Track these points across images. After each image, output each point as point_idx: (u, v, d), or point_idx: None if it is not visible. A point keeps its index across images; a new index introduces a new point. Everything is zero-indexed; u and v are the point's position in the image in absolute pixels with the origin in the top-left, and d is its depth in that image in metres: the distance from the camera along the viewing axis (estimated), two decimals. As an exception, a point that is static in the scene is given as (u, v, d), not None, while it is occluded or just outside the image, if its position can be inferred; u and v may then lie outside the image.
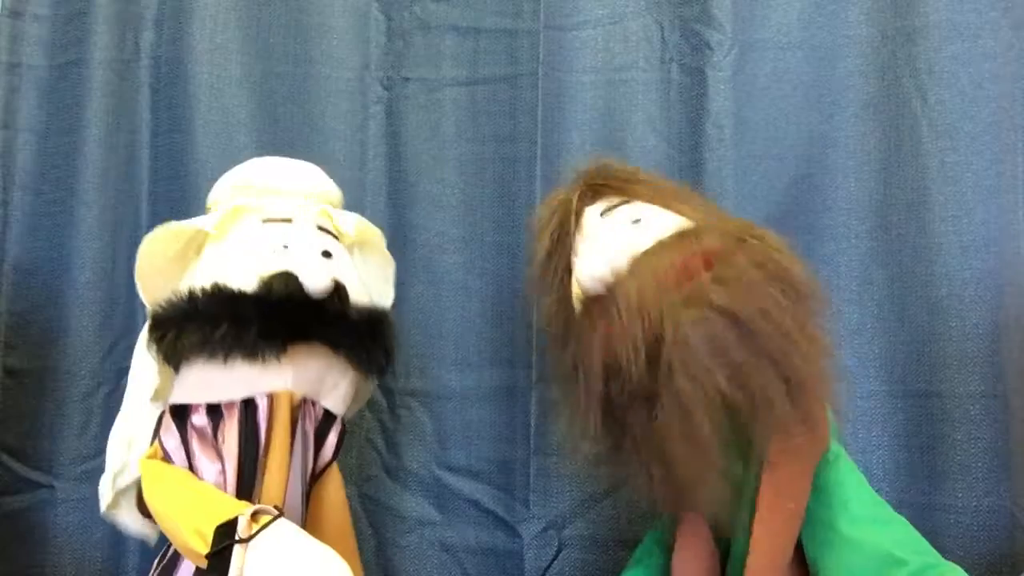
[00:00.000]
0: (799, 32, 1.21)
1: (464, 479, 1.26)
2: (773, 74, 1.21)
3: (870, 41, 1.19)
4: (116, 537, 1.24)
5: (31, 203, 1.31)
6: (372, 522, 1.27)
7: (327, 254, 0.92)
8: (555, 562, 1.23)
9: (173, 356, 0.89)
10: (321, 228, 0.95)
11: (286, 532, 0.80)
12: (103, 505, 0.97)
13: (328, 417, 0.95)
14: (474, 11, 1.30)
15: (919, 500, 1.14)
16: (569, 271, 0.93)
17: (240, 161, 1.26)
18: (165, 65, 1.30)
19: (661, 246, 0.86)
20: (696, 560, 0.92)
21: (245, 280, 0.87)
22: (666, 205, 0.92)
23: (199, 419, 0.89)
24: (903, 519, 0.86)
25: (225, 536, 0.79)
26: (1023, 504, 1.10)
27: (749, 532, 0.85)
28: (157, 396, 0.94)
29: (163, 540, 0.93)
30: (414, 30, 1.31)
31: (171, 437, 0.90)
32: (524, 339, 1.24)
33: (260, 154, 1.28)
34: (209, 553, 0.79)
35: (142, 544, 1.17)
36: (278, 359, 0.87)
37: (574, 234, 0.94)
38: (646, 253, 0.85)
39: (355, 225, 0.98)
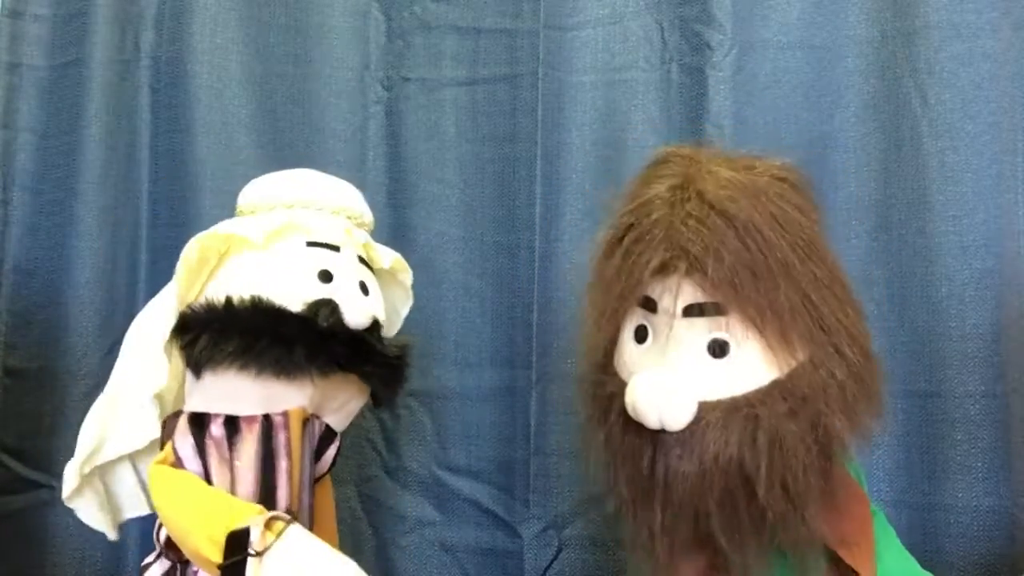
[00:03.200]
0: (799, 32, 1.21)
1: (464, 479, 1.26)
2: (773, 74, 1.21)
3: (870, 41, 1.19)
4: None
5: (31, 203, 1.31)
6: (372, 522, 1.27)
7: (364, 288, 0.94)
8: (555, 562, 1.23)
9: (202, 361, 0.88)
10: (360, 259, 0.96)
11: (300, 540, 0.80)
12: (65, 491, 0.95)
13: (328, 432, 0.96)
14: (474, 11, 1.30)
15: (919, 500, 1.14)
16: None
17: (240, 161, 1.27)
18: (165, 65, 1.30)
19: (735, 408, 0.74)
20: None
21: (289, 300, 0.88)
22: (771, 332, 0.74)
23: (217, 429, 0.89)
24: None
25: (238, 546, 0.79)
26: (1023, 504, 1.10)
27: None
28: (162, 396, 0.94)
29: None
30: (414, 30, 1.31)
31: (187, 444, 0.89)
32: (524, 339, 1.24)
33: (260, 154, 1.29)
34: (222, 564, 0.79)
35: (142, 544, 1.17)
36: (312, 383, 0.89)
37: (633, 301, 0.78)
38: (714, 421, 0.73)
39: (392, 261, 1.00)
